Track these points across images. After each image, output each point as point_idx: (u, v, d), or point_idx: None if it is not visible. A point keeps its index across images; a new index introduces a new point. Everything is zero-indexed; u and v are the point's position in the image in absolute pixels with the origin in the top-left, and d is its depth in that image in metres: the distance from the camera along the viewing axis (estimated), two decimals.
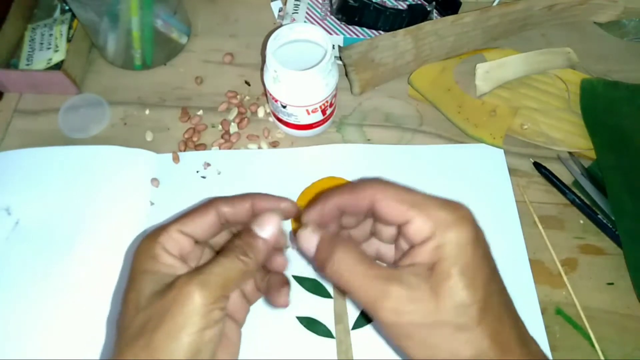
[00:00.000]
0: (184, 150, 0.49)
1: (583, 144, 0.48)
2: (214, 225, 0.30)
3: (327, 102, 0.45)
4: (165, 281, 0.26)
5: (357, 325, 0.40)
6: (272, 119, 0.50)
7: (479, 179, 0.47)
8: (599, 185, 0.46)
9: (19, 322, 0.40)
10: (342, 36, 0.52)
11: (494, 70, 0.51)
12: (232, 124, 0.51)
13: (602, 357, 0.39)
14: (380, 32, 0.52)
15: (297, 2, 0.54)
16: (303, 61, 0.43)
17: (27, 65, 0.53)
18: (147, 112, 0.52)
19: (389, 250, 0.32)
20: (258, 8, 0.59)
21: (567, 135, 0.49)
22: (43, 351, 0.39)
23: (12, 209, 0.46)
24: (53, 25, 0.55)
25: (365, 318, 0.40)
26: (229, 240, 0.30)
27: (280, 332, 0.40)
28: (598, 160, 0.47)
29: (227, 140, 0.49)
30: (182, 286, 0.25)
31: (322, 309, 0.41)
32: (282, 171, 0.48)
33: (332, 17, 0.53)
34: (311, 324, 0.40)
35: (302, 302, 0.41)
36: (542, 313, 0.40)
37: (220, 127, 0.51)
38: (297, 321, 0.40)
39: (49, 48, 0.54)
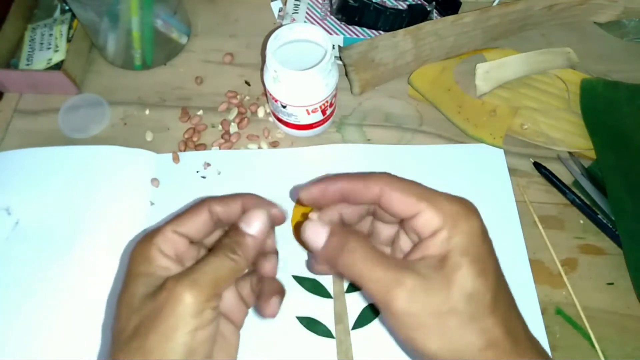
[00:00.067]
0: (184, 150, 0.49)
1: (583, 144, 0.48)
2: (207, 224, 0.30)
3: (327, 102, 0.45)
4: (158, 283, 0.26)
5: (357, 325, 0.40)
6: (272, 119, 0.50)
7: (479, 179, 0.47)
8: (599, 185, 0.46)
9: (18, 322, 0.40)
10: (342, 36, 0.52)
11: (494, 70, 0.51)
12: (232, 124, 0.51)
13: (602, 357, 0.39)
14: (380, 32, 0.52)
15: (297, 2, 0.54)
16: (303, 61, 0.43)
17: (27, 65, 0.53)
18: (147, 112, 0.52)
19: (386, 251, 0.32)
20: (258, 8, 0.59)
21: (567, 135, 0.49)
22: (43, 351, 0.39)
23: (12, 209, 0.46)
24: (53, 25, 0.55)
25: (372, 311, 0.40)
26: (218, 239, 0.29)
27: (280, 332, 0.40)
28: (598, 160, 0.47)
29: (227, 140, 0.49)
30: (173, 287, 0.25)
31: (322, 309, 0.41)
32: (282, 171, 0.48)
33: (332, 17, 0.53)
34: (311, 324, 0.40)
35: (302, 302, 0.41)
36: (542, 313, 0.40)
37: (220, 127, 0.51)
38: (297, 321, 0.40)
39: (49, 48, 0.54)
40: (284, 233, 0.44)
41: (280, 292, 0.30)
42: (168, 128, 0.51)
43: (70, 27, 0.55)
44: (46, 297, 0.41)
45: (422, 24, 0.49)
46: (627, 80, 0.51)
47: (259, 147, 0.50)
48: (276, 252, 0.32)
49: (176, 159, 0.48)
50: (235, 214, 0.30)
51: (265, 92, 0.47)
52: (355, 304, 0.41)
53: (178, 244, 0.28)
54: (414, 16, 0.52)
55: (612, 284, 0.42)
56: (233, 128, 0.51)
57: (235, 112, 0.51)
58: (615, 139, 0.47)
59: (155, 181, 0.47)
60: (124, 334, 0.25)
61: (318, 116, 0.46)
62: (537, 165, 0.47)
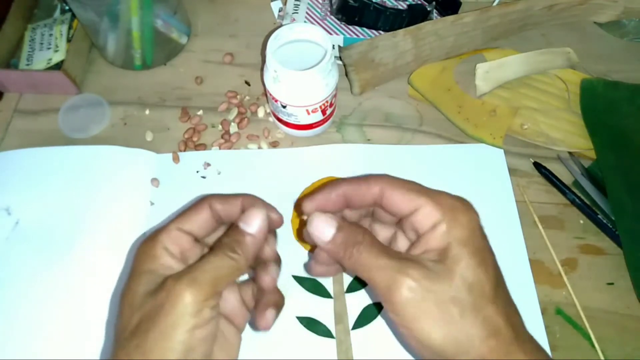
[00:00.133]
0: (184, 150, 0.49)
1: (583, 144, 0.48)
2: (209, 221, 0.30)
3: (327, 102, 0.45)
4: (159, 281, 0.26)
5: (357, 325, 0.40)
6: (272, 119, 0.50)
7: (479, 179, 0.47)
8: (599, 185, 0.46)
9: (19, 322, 0.40)
10: (342, 36, 0.52)
11: (494, 70, 0.51)
12: (232, 124, 0.51)
13: (602, 357, 0.39)
14: (380, 32, 0.52)
15: (297, 2, 0.54)
16: (303, 61, 0.43)
17: (27, 65, 0.53)
18: (147, 112, 0.52)
19: None
20: (258, 8, 0.59)
21: (567, 135, 0.49)
22: (43, 351, 0.39)
23: (12, 209, 0.46)
24: (53, 25, 0.55)
25: (372, 310, 0.40)
26: (218, 238, 0.30)
27: (280, 332, 0.40)
28: (598, 160, 0.47)
29: (227, 140, 0.49)
30: (172, 285, 0.25)
31: (322, 309, 0.41)
32: (282, 171, 0.47)
33: (332, 17, 0.53)
34: (311, 324, 0.40)
35: (302, 302, 0.41)
36: (542, 313, 0.40)
37: (220, 127, 0.51)
38: (297, 321, 0.40)
39: (49, 48, 0.54)
40: (284, 233, 0.44)
41: (278, 304, 0.30)
42: (168, 128, 0.51)
43: (70, 27, 0.55)
44: (46, 297, 0.41)
45: (422, 24, 0.49)
46: (627, 80, 0.51)
47: (259, 147, 0.50)
48: (278, 261, 0.32)
49: (176, 159, 0.48)
50: (235, 213, 0.30)
51: (265, 92, 0.47)
52: (355, 304, 0.41)
53: (182, 242, 0.28)
54: (414, 16, 0.52)
55: (612, 284, 0.42)
56: (233, 128, 0.51)
57: (235, 112, 0.51)
58: (615, 139, 0.47)
59: (155, 181, 0.47)
60: (125, 332, 0.25)
61: (318, 116, 0.46)
62: (537, 165, 0.47)
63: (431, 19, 0.53)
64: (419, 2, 0.54)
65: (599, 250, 0.43)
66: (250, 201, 0.30)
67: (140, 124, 0.51)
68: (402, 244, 0.30)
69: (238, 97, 0.52)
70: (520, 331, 0.26)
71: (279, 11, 0.59)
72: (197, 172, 0.48)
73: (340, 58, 0.51)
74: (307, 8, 0.54)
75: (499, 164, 0.48)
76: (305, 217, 0.30)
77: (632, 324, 0.40)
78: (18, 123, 0.52)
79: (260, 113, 0.51)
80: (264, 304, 0.29)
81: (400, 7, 0.53)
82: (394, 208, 0.28)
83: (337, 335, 0.40)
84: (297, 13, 0.54)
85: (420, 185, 0.28)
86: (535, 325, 0.40)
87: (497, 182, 0.47)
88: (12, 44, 0.54)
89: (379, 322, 0.40)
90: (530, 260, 0.43)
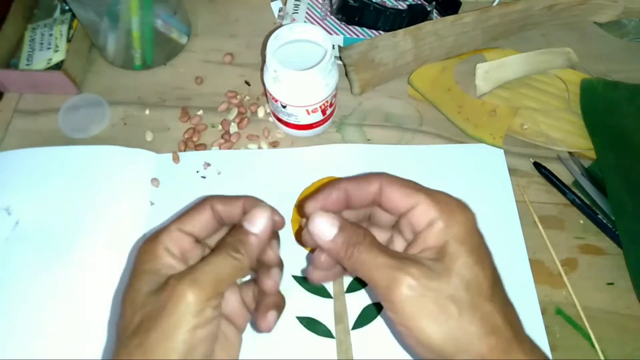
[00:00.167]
0: (184, 150, 0.49)
1: (583, 144, 0.48)
2: (210, 222, 0.30)
3: (327, 102, 0.45)
4: (161, 281, 0.26)
5: (357, 325, 0.40)
6: (272, 119, 0.50)
7: (479, 179, 0.47)
8: (599, 185, 0.46)
9: (19, 322, 0.40)
10: (342, 36, 0.52)
11: (494, 70, 0.51)
12: (232, 124, 0.51)
13: (602, 357, 0.39)
14: (380, 32, 0.52)
15: (297, 2, 0.54)
16: (303, 61, 0.43)
17: (27, 65, 0.53)
18: (147, 112, 0.52)
19: None
20: (258, 8, 0.59)
21: (567, 135, 0.49)
22: (43, 351, 0.39)
23: (12, 209, 0.46)
24: (53, 25, 0.55)
25: (372, 310, 0.41)
26: (221, 238, 0.29)
27: (280, 332, 0.40)
28: (598, 160, 0.47)
29: (227, 140, 0.49)
30: (175, 285, 0.25)
31: (322, 309, 0.41)
32: (282, 171, 0.47)
33: (332, 17, 0.53)
34: (311, 324, 0.40)
35: (302, 302, 0.41)
36: (542, 313, 0.40)
37: (220, 127, 0.51)
38: (297, 321, 0.40)
39: (49, 48, 0.54)
40: (284, 233, 0.43)
41: (279, 306, 0.30)
42: (168, 128, 0.51)
43: (70, 27, 0.55)
44: (46, 297, 0.41)
45: (422, 24, 0.49)
46: (627, 80, 0.51)
47: (259, 147, 0.50)
48: (280, 265, 0.32)
49: (176, 159, 0.48)
50: (237, 215, 0.30)
51: (265, 92, 0.47)
52: (355, 304, 0.41)
53: (183, 242, 0.28)
54: (414, 16, 0.52)
55: (612, 284, 0.42)
56: (233, 128, 0.51)
57: (235, 112, 0.51)
58: (615, 139, 0.47)
59: (155, 181, 0.47)
60: (127, 331, 0.25)
61: (318, 116, 0.46)
62: (537, 165, 0.47)
63: (431, 19, 0.53)
64: (419, 2, 0.54)
65: (599, 250, 0.43)
66: (251, 202, 0.30)
67: (140, 124, 0.51)
68: (398, 247, 0.30)
69: (238, 97, 0.52)
70: (518, 330, 0.26)
71: (279, 11, 0.59)
72: (197, 172, 0.48)
73: (340, 58, 0.51)
74: (307, 8, 0.54)
75: (499, 164, 0.48)
76: (305, 221, 0.29)
77: (632, 324, 0.40)
78: (18, 123, 0.52)
79: (260, 113, 0.51)
80: (265, 306, 0.30)
81: (400, 7, 0.53)
82: (391, 205, 0.28)
83: (337, 335, 0.40)
84: (297, 13, 0.54)
85: (417, 183, 0.28)
86: (535, 325, 0.40)
87: (497, 182, 0.47)
88: (12, 44, 0.54)
89: (378, 322, 0.40)
90: (530, 260, 0.43)
